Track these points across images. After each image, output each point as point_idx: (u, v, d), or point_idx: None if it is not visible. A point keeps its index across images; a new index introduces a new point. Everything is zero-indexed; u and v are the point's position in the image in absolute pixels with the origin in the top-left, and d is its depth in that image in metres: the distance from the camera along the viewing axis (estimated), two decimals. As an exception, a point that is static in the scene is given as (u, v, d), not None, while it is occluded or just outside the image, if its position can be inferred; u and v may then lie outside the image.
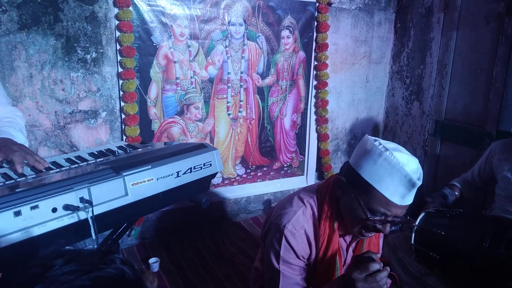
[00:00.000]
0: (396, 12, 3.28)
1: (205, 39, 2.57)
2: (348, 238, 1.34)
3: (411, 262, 2.20)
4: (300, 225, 1.22)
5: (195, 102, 2.63)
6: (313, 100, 3.11)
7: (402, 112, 3.33)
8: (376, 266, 1.09)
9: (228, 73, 2.70)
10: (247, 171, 2.96)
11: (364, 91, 3.35)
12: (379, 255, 1.19)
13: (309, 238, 1.24)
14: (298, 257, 1.24)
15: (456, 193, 2.29)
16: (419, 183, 1.07)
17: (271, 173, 3.05)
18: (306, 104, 3.09)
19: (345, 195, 1.18)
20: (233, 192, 2.93)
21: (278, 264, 1.23)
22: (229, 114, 2.78)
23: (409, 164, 1.08)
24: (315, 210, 1.26)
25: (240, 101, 2.80)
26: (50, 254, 0.53)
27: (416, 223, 2.11)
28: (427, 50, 3.04)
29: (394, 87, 3.38)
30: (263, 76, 2.85)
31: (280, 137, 3.04)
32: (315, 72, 3.04)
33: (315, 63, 3.01)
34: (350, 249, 1.35)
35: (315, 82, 3.07)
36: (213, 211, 2.83)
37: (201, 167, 1.46)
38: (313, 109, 3.12)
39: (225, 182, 2.88)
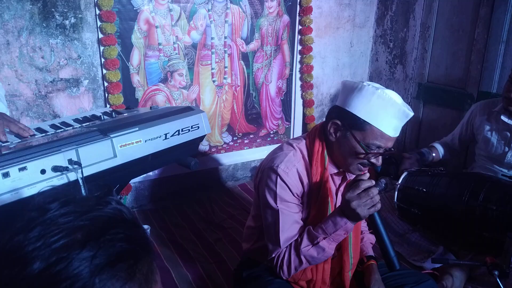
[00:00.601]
0: (380, -25, 3.24)
1: (186, 3, 2.51)
2: (337, 181, 1.38)
3: (394, 220, 2.29)
4: (292, 164, 1.28)
5: (179, 68, 2.60)
6: (298, 66, 3.10)
7: (386, 77, 3.35)
8: (367, 183, 1.14)
9: (212, 38, 2.66)
10: (234, 138, 2.97)
11: (349, 56, 3.35)
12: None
13: (301, 177, 1.29)
14: (293, 194, 1.28)
15: (434, 154, 2.35)
16: (411, 113, 1.19)
17: (258, 140, 3.07)
18: (291, 70, 3.08)
19: (340, 137, 1.25)
20: (221, 160, 2.94)
21: (276, 203, 1.27)
22: (214, 81, 2.75)
23: (398, 98, 1.20)
24: (305, 152, 1.33)
25: (225, 67, 2.77)
26: (45, 198, 0.53)
27: (399, 182, 2.18)
28: (411, 13, 3.03)
29: (378, 52, 3.38)
30: (247, 41, 2.81)
31: (266, 104, 3.04)
32: (299, 36, 3.01)
33: (300, 27, 2.98)
34: (339, 194, 1.39)
35: (299, 47, 3.05)
36: (201, 179, 2.85)
37: (189, 130, 1.46)
38: (298, 75, 3.11)
39: (212, 150, 2.89)
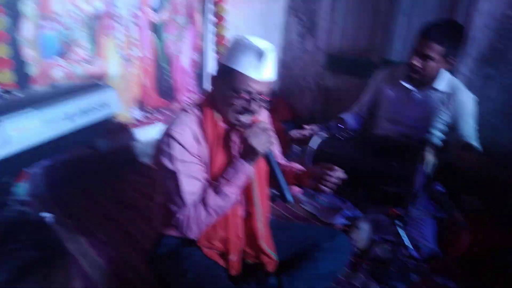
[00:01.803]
0: None
1: (84, -33, 2.26)
2: (236, 138, 1.38)
3: (307, 182, 2.39)
4: (185, 125, 1.31)
5: (80, 40, 2.36)
6: (212, 37, 3.02)
7: (297, 48, 3.42)
8: (263, 124, 1.26)
9: (116, 7, 2.45)
10: (146, 114, 2.83)
11: (263, 27, 3.34)
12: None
13: (197, 136, 1.31)
14: (191, 154, 1.29)
15: (342, 126, 2.49)
16: (268, 53, 1.21)
17: (172, 115, 2.97)
18: (205, 40, 2.98)
19: (217, 88, 1.32)
20: (130, 137, 2.79)
21: (174, 165, 1.28)
22: (121, 54, 2.56)
23: (261, 42, 1.23)
24: (199, 114, 1.35)
25: (133, 38, 2.59)
26: None
27: (311, 146, 2.28)
28: (320, -15, 3.10)
29: (290, 23, 3.42)
30: (157, 10, 2.65)
31: (179, 77, 2.93)
32: (213, 7, 2.92)
33: (212, -3, 2.89)
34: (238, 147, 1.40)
35: (213, 18, 2.96)
36: (110, 159, 2.68)
37: (96, 108, 1.34)
38: (212, 47, 3.04)
39: (121, 127, 2.72)
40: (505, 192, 2.30)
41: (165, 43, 2.76)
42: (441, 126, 2.22)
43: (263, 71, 1.24)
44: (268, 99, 1.31)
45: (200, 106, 1.37)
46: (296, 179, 1.52)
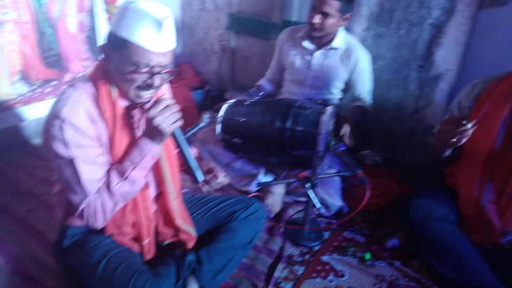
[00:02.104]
0: None
1: None
2: (138, 114, 1.30)
3: (220, 151, 2.38)
4: (77, 105, 1.16)
5: None
6: (100, -4, 2.71)
7: (196, 7, 3.25)
8: (167, 101, 1.16)
9: (-26, -38, 2.04)
10: (32, 88, 2.49)
11: (156, -17, 3.09)
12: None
13: (93, 116, 1.18)
14: (87, 137, 1.17)
15: (261, 93, 2.52)
16: (164, 21, 1.10)
17: (64, 87, 2.65)
18: (93, 0, 2.67)
19: (111, 61, 1.17)
20: (17, 116, 2.46)
21: (70, 151, 1.15)
22: (-11, 18, 2.18)
23: (155, 8, 1.11)
24: (92, 90, 1.20)
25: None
26: None
27: (220, 115, 2.25)
28: None
29: (185, -20, 3.22)
30: (28, -34, 2.27)
31: (67, 43, 2.61)
32: (96, -40, 2.60)
33: (94, -51, 2.56)
34: (142, 127, 1.31)
35: (98, -26, 2.64)
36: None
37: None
38: (101, 6, 2.73)
39: (4, 105, 2.38)
40: (398, 145, 2.55)
41: (45, 5, 2.41)
42: (340, 85, 2.34)
43: (163, 42, 1.13)
44: (172, 71, 1.21)
45: (93, 80, 1.21)
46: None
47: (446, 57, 2.26)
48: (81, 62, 2.73)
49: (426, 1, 2.22)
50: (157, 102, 1.16)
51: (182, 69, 3.43)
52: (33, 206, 2.01)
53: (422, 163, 2.46)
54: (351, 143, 2.08)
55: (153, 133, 1.18)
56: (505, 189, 1.50)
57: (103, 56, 1.20)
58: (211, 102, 3.21)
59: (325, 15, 2.07)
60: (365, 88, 2.30)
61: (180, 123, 1.19)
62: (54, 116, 1.14)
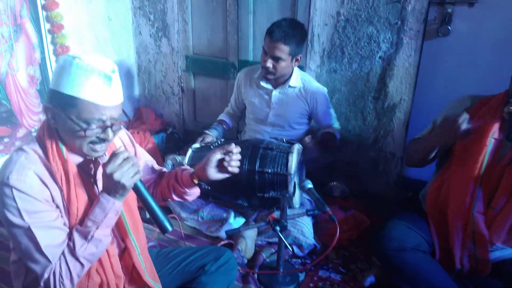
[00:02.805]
0: None
1: None
2: (92, 168, 1.25)
3: (187, 198, 2.33)
4: (26, 169, 1.10)
5: None
6: (51, 47, 2.65)
7: (153, 51, 3.24)
8: (124, 153, 1.12)
9: None
10: (-18, 147, 2.37)
11: (109, 30, 3.07)
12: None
13: (43, 179, 1.12)
14: (40, 201, 1.11)
15: (224, 126, 2.55)
16: (113, 75, 1.10)
17: (17, 143, 2.54)
18: (43, 52, 2.60)
19: (58, 121, 1.13)
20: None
21: (23, 219, 1.08)
22: None
23: (101, 62, 1.10)
24: (40, 151, 1.16)
25: None
26: None
27: (185, 161, 2.21)
28: (162, -16, 2.96)
29: (139, 24, 3.21)
30: (-29, 24, 2.19)
31: (18, 98, 2.51)
32: (45, 13, 2.55)
33: (43, 2, 2.51)
34: (100, 181, 1.26)
35: (48, 26, 2.59)
36: None
37: None
38: (53, 58, 2.67)
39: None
40: (362, 174, 2.59)
41: (-9, 61, 2.32)
42: (302, 120, 2.37)
43: (113, 95, 1.11)
44: (123, 122, 1.18)
45: (40, 141, 1.17)
46: (195, 178, 1.40)
47: (399, 88, 2.36)
48: (34, 116, 2.63)
49: (374, 35, 2.32)
50: (114, 155, 1.12)
51: (142, 112, 3.37)
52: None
53: (387, 191, 2.52)
54: (324, 160, 2.07)
55: (114, 188, 1.13)
56: (491, 202, 1.54)
57: (47, 117, 1.15)
58: (174, 144, 3.16)
59: (277, 59, 2.10)
60: (329, 117, 2.35)
61: (140, 174, 1.15)
62: (2, 183, 1.08)
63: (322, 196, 1.72)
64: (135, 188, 1.17)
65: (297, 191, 2.10)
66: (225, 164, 1.36)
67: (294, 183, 2.02)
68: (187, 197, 1.45)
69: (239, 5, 2.70)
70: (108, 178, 1.11)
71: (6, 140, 2.49)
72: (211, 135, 2.41)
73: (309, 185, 1.78)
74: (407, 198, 1.93)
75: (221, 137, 2.45)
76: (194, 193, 1.45)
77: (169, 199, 1.47)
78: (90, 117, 1.09)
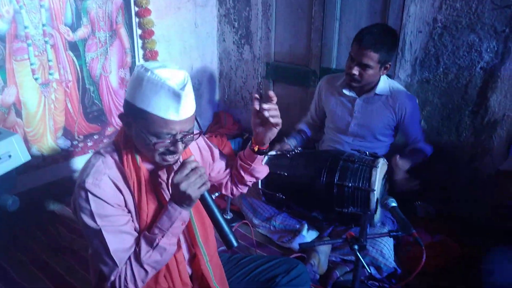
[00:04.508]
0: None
1: (-20, -17, 1.96)
2: (164, 175, 1.25)
3: (260, 205, 2.28)
4: (101, 174, 1.12)
5: (-15, 67, 2.05)
6: (141, 52, 2.79)
7: (235, 57, 3.28)
8: (193, 164, 1.10)
9: (25, 27, 2.15)
10: (74, 143, 2.54)
11: (195, 37, 3.17)
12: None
13: (117, 184, 1.14)
14: (113, 206, 1.12)
15: (304, 136, 2.46)
16: (182, 92, 1.05)
17: (105, 141, 2.70)
18: (134, 57, 2.75)
19: (132, 130, 1.14)
20: (60, 171, 2.50)
21: (96, 222, 1.10)
22: (36, 79, 2.27)
23: (173, 77, 1.07)
24: (116, 156, 1.18)
25: (49, 61, 2.30)
26: None
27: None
28: (251, -9, 2.99)
29: (224, 32, 3.28)
30: (74, 28, 2.37)
31: (109, 98, 2.67)
32: (137, 19, 2.69)
33: (136, 9, 2.66)
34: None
35: (140, 31, 2.73)
36: (37, 197, 2.37)
37: (-2, 160, 1.10)
38: (142, 62, 2.81)
39: (47, 161, 2.42)
40: (455, 197, 2.33)
41: (87, 63, 2.50)
42: (387, 131, 2.20)
43: (183, 110, 1.08)
44: (195, 134, 1.15)
45: (116, 147, 1.19)
46: (254, 145, 1.37)
47: (502, 102, 2.09)
48: (122, 116, 2.78)
49: (476, 44, 2.09)
50: (182, 165, 1.11)
51: (220, 116, 3.43)
52: (72, 263, 1.98)
53: (484, 217, 2.22)
54: (413, 186, 1.93)
55: (180, 198, 1.11)
56: None
57: (123, 125, 1.17)
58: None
59: (364, 66, 1.97)
60: (419, 130, 2.16)
61: (207, 186, 1.12)
62: (79, 186, 1.12)
63: (404, 215, 1.55)
64: (202, 199, 1.14)
65: (379, 209, 1.93)
66: (265, 114, 1.27)
67: (377, 199, 1.87)
68: (256, 174, 1.43)
69: (325, 12, 2.63)
70: (175, 187, 1.10)
71: (96, 137, 2.66)
72: (289, 144, 2.34)
73: (393, 203, 1.61)
74: (508, 229, 1.68)
75: (299, 146, 2.37)
76: (262, 170, 1.44)
77: (244, 185, 1.47)
78: (160, 131, 1.08)
